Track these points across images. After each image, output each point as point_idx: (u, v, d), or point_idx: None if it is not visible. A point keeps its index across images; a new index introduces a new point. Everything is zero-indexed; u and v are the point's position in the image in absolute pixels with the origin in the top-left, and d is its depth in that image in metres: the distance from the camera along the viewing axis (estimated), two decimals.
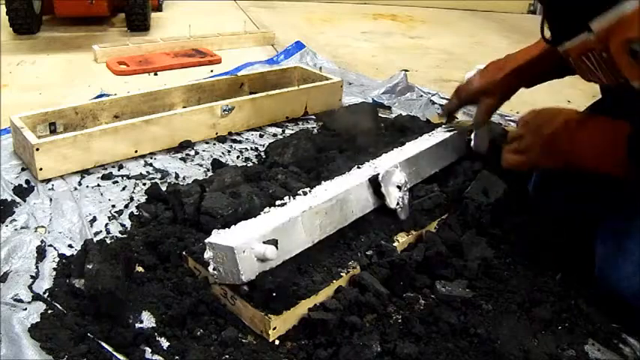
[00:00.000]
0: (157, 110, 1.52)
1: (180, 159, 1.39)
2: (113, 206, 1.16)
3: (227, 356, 0.77)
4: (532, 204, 1.10)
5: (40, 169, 1.23)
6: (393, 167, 1.03)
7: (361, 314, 0.84)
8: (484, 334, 0.81)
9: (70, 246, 1.02)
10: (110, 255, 0.85)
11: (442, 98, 1.94)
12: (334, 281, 0.87)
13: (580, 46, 0.82)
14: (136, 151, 1.37)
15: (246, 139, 1.54)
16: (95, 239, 1.02)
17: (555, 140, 0.91)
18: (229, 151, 1.46)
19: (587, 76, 0.89)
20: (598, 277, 0.89)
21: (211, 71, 2.18)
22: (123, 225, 1.09)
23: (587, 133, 0.88)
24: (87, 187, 1.23)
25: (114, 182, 1.26)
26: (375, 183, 1.01)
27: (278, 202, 0.93)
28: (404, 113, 1.73)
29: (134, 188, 1.23)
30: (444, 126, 1.32)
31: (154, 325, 0.82)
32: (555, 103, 2.09)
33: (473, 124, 1.24)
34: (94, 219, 1.11)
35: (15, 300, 0.86)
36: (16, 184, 1.20)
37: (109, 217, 1.12)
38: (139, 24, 2.69)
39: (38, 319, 0.81)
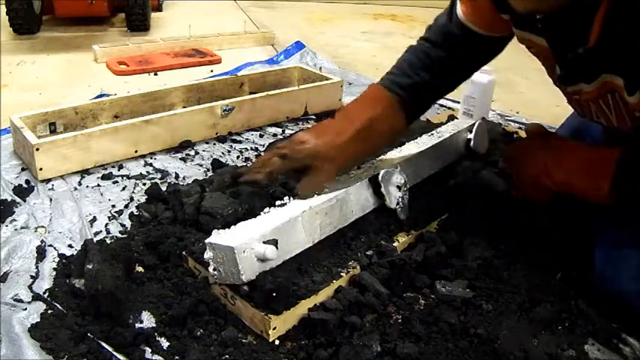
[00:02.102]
0: (157, 110, 1.52)
1: (180, 159, 1.39)
2: (113, 206, 1.16)
3: (227, 356, 0.77)
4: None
5: (40, 169, 1.23)
6: (392, 167, 1.03)
7: (361, 314, 0.84)
8: (484, 334, 0.81)
9: (70, 246, 1.02)
10: (110, 255, 0.85)
11: (442, 98, 1.94)
12: (334, 281, 0.87)
13: (601, 88, 0.80)
14: (136, 151, 1.37)
15: (246, 139, 1.54)
16: (95, 239, 1.02)
17: (537, 183, 0.91)
18: (229, 151, 1.46)
19: (592, 116, 0.89)
20: (597, 281, 0.89)
21: (211, 71, 2.18)
22: (123, 225, 1.09)
23: (569, 169, 0.86)
24: (87, 187, 1.23)
25: (114, 182, 1.26)
26: (374, 183, 1.01)
27: (278, 202, 0.93)
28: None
29: (134, 188, 1.23)
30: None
31: (154, 325, 0.82)
32: (555, 103, 2.08)
33: (311, 190, 0.94)
34: (94, 219, 1.11)
35: (15, 300, 0.86)
36: (16, 184, 1.20)
37: (109, 217, 1.12)
38: (139, 24, 2.70)
39: (38, 319, 0.81)
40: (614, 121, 0.85)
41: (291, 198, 0.94)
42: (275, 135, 1.57)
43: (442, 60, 1.02)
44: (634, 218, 0.86)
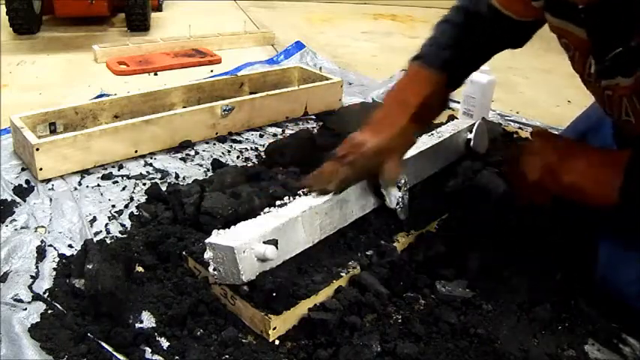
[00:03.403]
0: (157, 110, 1.52)
1: (180, 159, 1.39)
2: (113, 206, 1.16)
3: (227, 356, 0.77)
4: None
5: (40, 169, 1.23)
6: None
7: (361, 314, 0.84)
8: (484, 334, 0.81)
9: (70, 246, 1.02)
10: (110, 255, 0.85)
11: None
12: (334, 281, 0.87)
13: (636, 85, 0.78)
14: (136, 151, 1.37)
15: (246, 139, 1.54)
16: (95, 239, 1.02)
17: (542, 186, 0.88)
18: (229, 151, 1.46)
19: (620, 113, 0.86)
20: (600, 283, 0.88)
21: (211, 71, 2.18)
22: (123, 225, 1.09)
23: (573, 177, 0.83)
24: (87, 187, 1.23)
25: (114, 182, 1.26)
26: (375, 183, 1.01)
27: (278, 202, 0.93)
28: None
29: (134, 188, 1.23)
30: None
31: (154, 325, 0.82)
32: (555, 103, 2.09)
33: (386, 183, 1.00)
34: (94, 219, 1.11)
35: (15, 300, 0.86)
36: (16, 184, 1.20)
37: (109, 217, 1.12)
38: (139, 24, 2.70)
39: (38, 319, 0.81)
40: None
41: (291, 198, 0.94)
42: (275, 135, 1.57)
43: (470, 38, 1.01)
44: (636, 221, 0.86)
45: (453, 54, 0.99)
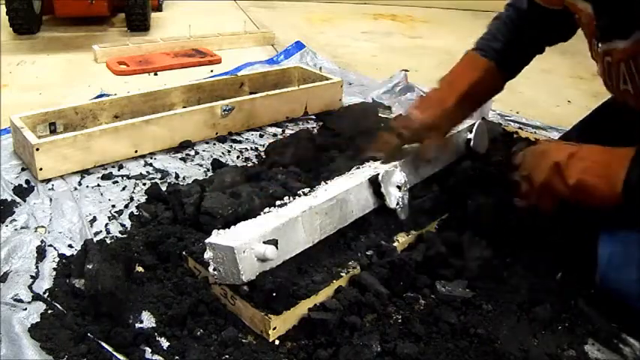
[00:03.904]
0: (157, 110, 1.52)
1: (180, 159, 1.39)
2: (113, 206, 1.16)
3: (227, 356, 0.77)
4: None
5: (40, 169, 1.23)
6: (393, 167, 1.03)
7: (361, 314, 0.84)
8: (484, 334, 0.81)
9: (70, 246, 1.02)
10: (110, 255, 0.85)
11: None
12: (334, 281, 0.87)
13: (635, 46, 0.80)
14: (136, 151, 1.37)
15: (246, 139, 1.54)
16: (95, 239, 1.02)
17: (549, 187, 0.88)
18: (229, 151, 1.46)
19: (618, 82, 0.88)
20: (600, 283, 0.88)
21: (211, 71, 2.18)
22: (123, 225, 1.09)
23: (580, 174, 0.83)
24: (87, 187, 1.23)
25: (114, 182, 1.26)
26: (375, 183, 1.01)
27: (278, 202, 0.93)
28: (404, 113, 1.72)
29: (134, 188, 1.23)
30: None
31: (154, 325, 0.82)
32: (555, 103, 2.08)
33: (422, 157, 1.11)
34: (94, 219, 1.11)
35: (15, 300, 0.86)
36: (16, 184, 1.20)
37: (109, 217, 1.12)
38: (139, 24, 2.70)
39: (38, 319, 0.81)
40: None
41: (291, 198, 0.94)
42: (275, 135, 1.57)
43: (517, 31, 1.08)
44: (636, 219, 0.86)
45: (503, 45, 1.08)
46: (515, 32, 1.09)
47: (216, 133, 1.52)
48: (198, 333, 0.80)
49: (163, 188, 1.18)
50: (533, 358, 0.79)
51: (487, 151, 1.30)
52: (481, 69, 1.08)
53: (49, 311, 0.83)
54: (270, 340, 0.79)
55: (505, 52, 1.09)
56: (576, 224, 1.02)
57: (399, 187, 1.02)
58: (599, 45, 0.89)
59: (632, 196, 0.79)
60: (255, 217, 0.89)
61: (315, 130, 1.58)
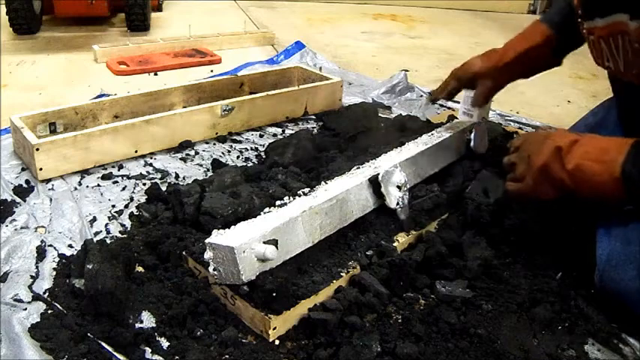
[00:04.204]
0: (157, 110, 1.52)
1: (180, 159, 1.39)
2: (113, 206, 1.16)
3: (227, 356, 0.77)
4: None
5: (40, 169, 1.23)
6: (393, 167, 1.03)
7: (361, 314, 0.84)
8: (484, 334, 0.81)
9: (70, 246, 1.02)
10: (110, 255, 0.85)
11: (442, 98, 1.94)
12: (334, 281, 0.87)
13: (612, 26, 0.84)
14: (136, 151, 1.37)
15: (246, 139, 1.54)
16: (95, 239, 1.02)
17: (547, 171, 0.88)
18: (229, 151, 1.46)
19: (603, 60, 0.92)
20: (599, 281, 0.89)
21: (211, 71, 2.18)
22: (123, 225, 1.09)
23: (579, 159, 0.84)
24: (87, 187, 1.23)
25: (114, 182, 1.26)
26: (375, 183, 1.01)
27: (278, 202, 0.93)
28: (404, 113, 1.73)
29: (134, 188, 1.23)
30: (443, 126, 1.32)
31: (154, 325, 0.82)
32: (555, 103, 2.09)
33: (472, 103, 1.28)
34: (94, 219, 1.11)
35: (15, 300, 0.86)
36: (16, 184, 1.20)
37: (109, 217, 1.12)
38: (138, 24, 2.70)
39: (38, 319, 0.81)
40: (622, 66, 0.87)
41: (291, 198, 0.94)
42: (275, 135, 1.57)
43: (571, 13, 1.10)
44: (636, 216, 0.86)
45: (561, 20, 1.14)
46: (569, 13, 1.09)
47: (216, 133, 1.52)
48: (198, 333, 0.80)
49: (163, 188, 1.18)
50: (533, 358, 0.79)
51: (487, 151, 1.30)
52: (541, 35, 1.15)
53: (49, 311, 0.83)
54: (270, 340, 0.80)
55: (561, 28, 1.13)
56: (576, 224, 1.02)
57: (399, 187, 1.02)
58: (584, 24, 0.94)
59: (629, 180, 0.78)
60: (255, 217, 0.89)
61: (315, 130, 1.58)
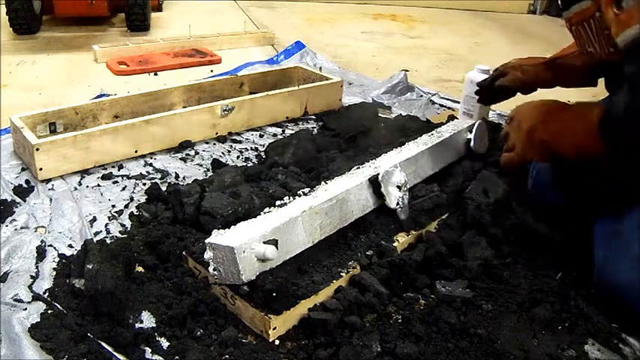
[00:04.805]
0: (157, 110, 1.52)
1: (180, 159, 1.39)
2: (113, 206, 1.16)
3: (227, 356, 0.77)
4: (531, 201, 1.10)
5: (40, 169, 1.23)
6: (393, 167, 1.03)
7: (361, 314, 0.84)
8: (484, 334, 0.81)
9: (70, 246, 1.02)
10: (110, 255, 0.85)
11: (442, 98, 1.94)
12: (334, 281, 0.87)
13: (582, 11, 0.90)
14: (136, 151, 1.37)
15: (246, 139, 1.54)
16: (95, 239, 1.02)
17: (534, 132, 0.94)
18: (229, 151, 1.46)
19: (585, 46, 0.96)
20: (597, 274, 0.89)
21: (211, 71, 2.18)
22: (123, 225, 1.09)
23: (562, 119, 0.91)
24: (87, 187, 1.23)
25: (114, 182, 1.26)
26: (375, 183, 1.01)
27: (278, 202, 0.93)
28: (404, 113, 1.73)
29: (134, 188, 1.23)
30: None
31: (154, 325, 0.82)
32: None
33: (495, 88, 1.33)
34: (94, 219, 1.11)
35: (15, 300, 0.86)
36: (16, 184, 1.20)
37: (109, 217, 1.12)
38: (138, 24, 2.70)
39: (38, 319, 0.81)
40: (598, 47, 0.92)
41: (291, 198, 0.94)
42: (275, 135, 1.57)
43: None
44: (631, 209, 0.87)
45: None
46: None
47: (216, 133, 1.52)
48: (198, 333, 0.80)
49: (163, 188, 1.18)
50: (533, 358, 0.79)
51: (487, 151, 1.30)
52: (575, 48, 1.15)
53: (49, 311, 0.83)
54: (270, 340, 0.80)
55: None
56: (577, 224, 1.02)
57: (399, 187, 1.02)
58: (564, 14, 0.98)
59: (609, 142, 0.81)
60: (255, 217, 0.89)
61: (315, 130, 1.58)
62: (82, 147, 1.27)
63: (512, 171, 1.03)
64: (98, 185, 1.24)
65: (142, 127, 1.36)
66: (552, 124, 0.92)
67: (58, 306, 0.84)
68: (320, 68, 2.02)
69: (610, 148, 0.81)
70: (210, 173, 1.30)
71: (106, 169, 1.31)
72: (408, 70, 2.10)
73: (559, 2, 0.99)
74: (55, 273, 0.93)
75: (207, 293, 0.85)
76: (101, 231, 1.07)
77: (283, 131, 1.61)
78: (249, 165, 1.36)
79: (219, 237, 0.82)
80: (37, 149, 1.21)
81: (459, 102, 1.65)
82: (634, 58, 0.76)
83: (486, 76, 1.55)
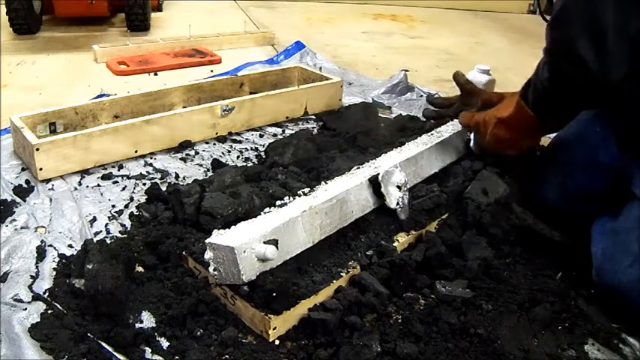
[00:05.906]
0: (157, 110, 1.52)
1: (180, 159, 1.39)
2: (113, 206, 1.16)
3: (227, 356, 0.77)
4: (531, 201, 1.11)
5: (40, 169, 1.23)
6: (393, 167, 1.03)
7: (361, 314, 0.84)
8: (484, 334, 0.81)
9: (70, 246, 1.02)
10: (110, 255, 0.85)
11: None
12: (334, 281, 0.87)
13: None
14: (136, 151, 1.37)
15: (246, 139, 1.54)
16: (95, 239, 1.02)
17: (493, 122, 1.09)
18: (229, 151, 1.46)
19: None
20: (596, 273, 0.89)
21: (211, 71, 2.18)
22: (123, 225, 1.09)
23: (504, 106, 1.08)
24: (87, 187, 1.23)
25: (114, 182, 1.26)
26: (375, 183, 1.01)
27: (278, 202, 0.93)
28: (404, 113, 1.73)
29: (134, 188, 1.23)
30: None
31: (154, 325, 0.82)
32: None
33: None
34: (94, 219, 1.11)
35: (15, 300, 0.86)
36: (16, 184, 1.20)
37: (109, 217, 1.12)
38: (138, 24, 2.69)
39: (38, 319, 0.81)
40: None
41: (291, 198, 0.94)
42: (275, 135, 1.57)
43: None
44: (628, 207, 0.87)
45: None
46: None
47: (216, 133, 1.52)
48: (198, 333, 0.80)
49: (163, 188, 1.18)
50: (533, 358, 0.79)
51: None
52: None
53: (49, 311, 0.83)
54: (270, 340, 0.80)
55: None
56: (576, 224, 1.02)
57: (399, 187, 1.02)
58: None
59: (526, 99, 0.99)
60: (255, 217, 0.89)
61: (315, 130, 1.58)
62: (82, 147, 1.27)
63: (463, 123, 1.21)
64: (98, 185, 1.24)
65: (142, 127, 1.36)
66: (501, 110, 1.08)
67: (58, 306, 0.84)
68: (320, 68, 2.02)
69: (537, 114, 0.96)
70: (210, 173, 1.30)
71: (106, 169, 1.31)
72: (408, 70, 2.10)
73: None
74: (55, 273, 0.93)
75: (207, 293, 0.85)
76: (101, 231, 1.07)
77: (283, 131, 1.61)
78: (249, 165, 1.36)
79: (219, 237, 0.82)
80: (37, 149, 1.21)
81: None
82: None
83: (487, 77, 1.56)
